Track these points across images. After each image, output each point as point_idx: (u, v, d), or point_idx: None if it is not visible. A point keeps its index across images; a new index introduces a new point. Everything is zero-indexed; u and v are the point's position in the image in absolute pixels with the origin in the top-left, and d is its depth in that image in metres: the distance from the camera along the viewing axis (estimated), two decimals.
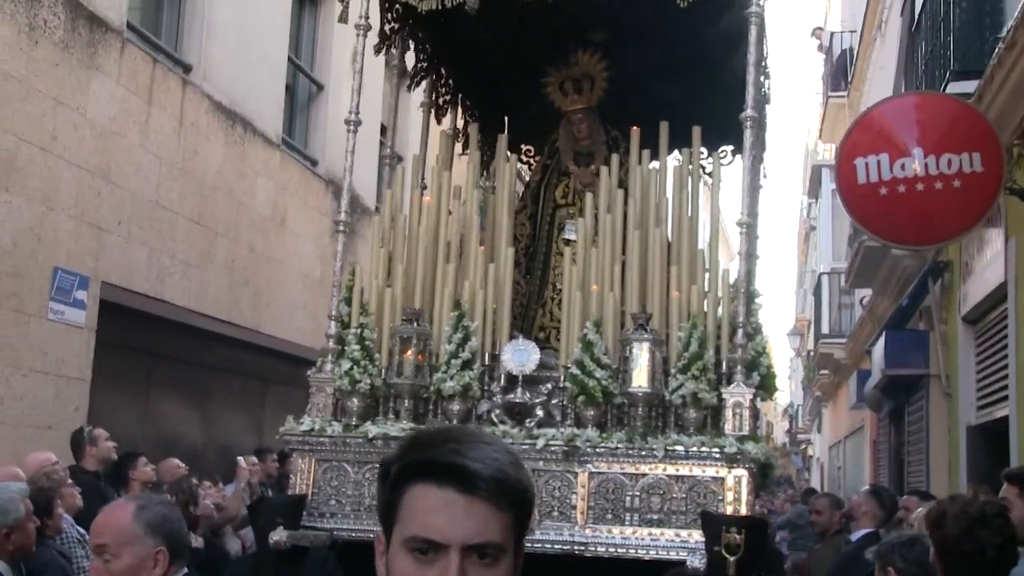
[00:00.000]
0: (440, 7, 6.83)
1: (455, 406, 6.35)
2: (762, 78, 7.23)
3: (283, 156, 12.80)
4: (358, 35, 7.26)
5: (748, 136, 6.60)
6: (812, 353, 26.80)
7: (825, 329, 23.35)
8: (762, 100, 7.42)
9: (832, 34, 26.36)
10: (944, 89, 8.78)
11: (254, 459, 10.00)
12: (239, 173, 11.71)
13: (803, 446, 42.41)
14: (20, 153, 8.59)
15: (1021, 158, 7.85)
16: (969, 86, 8.42)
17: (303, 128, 13.72)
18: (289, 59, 13.13)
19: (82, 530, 6.50)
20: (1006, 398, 8.60)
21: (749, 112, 6.49)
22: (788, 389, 47.63)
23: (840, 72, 24.04)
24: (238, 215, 11.71)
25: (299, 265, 13.20)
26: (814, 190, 26.01)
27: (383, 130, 13.96)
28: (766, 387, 6.39)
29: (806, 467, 40.60)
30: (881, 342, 13.60)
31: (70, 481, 6.91)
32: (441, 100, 8.55)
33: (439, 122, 8.54)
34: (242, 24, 11.69)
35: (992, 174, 7.38)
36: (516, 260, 7.48)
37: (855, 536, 7.99)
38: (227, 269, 11.54)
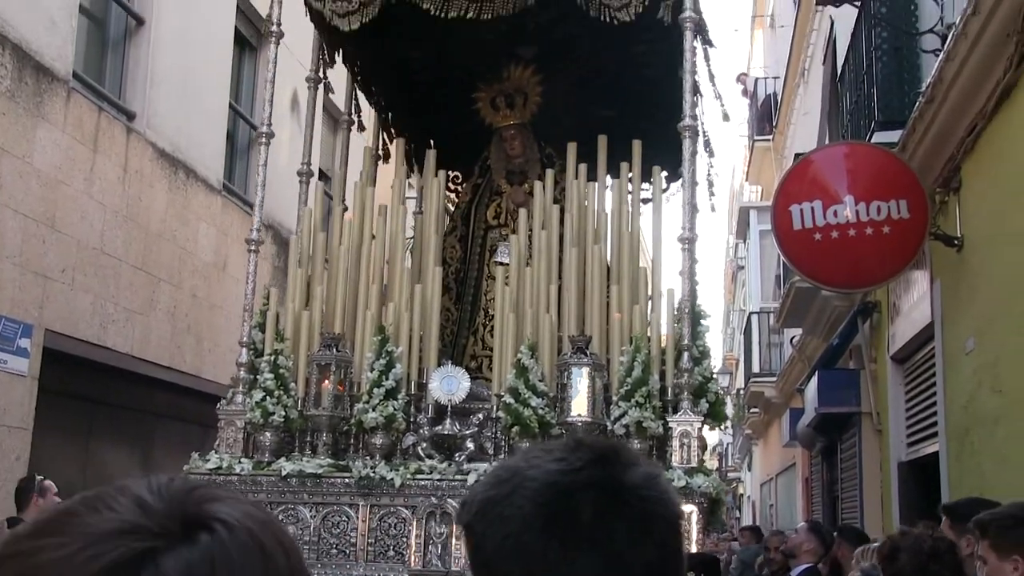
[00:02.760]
0: (362, 23, 6.62)
1: (378, 439, 5.94)
2: (698, 96, 6.98)
3: (224, 201, 12.80)
4: (272, 42, 7.19)
5: (687, 147, 6.28)
6: (743, 391, 27.05)
7: (756, 368, 23.54)
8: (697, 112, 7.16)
9: (756, 79, 26.77)
10: (870, 139, 8.94)
11: None
12: (182, 220, 11.70)
13: (733, 484, 42.73)
14: None
15: (944, 205, 8.06)
16: (893, 136, 8.59)
17: (243, 173, 13.75)
18: (230, 105, 13.18)
19: None
20: (935, 435, 8.68)
21: (687, 121, 6.21)
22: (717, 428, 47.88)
23: (765, 116, 24.39)
24: (181, 261, 11.68)
25: (240, 310, 13.16)
26: (742, 231, 26.32)
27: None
28: (714, 415, 6.07)
29: (736, 505, 40.88)
30: (814, 381, 13.59)
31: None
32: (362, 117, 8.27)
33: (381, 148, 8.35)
34: (184, 72, 11.71)
35: (918, 220, 7.60)
36: (446, 285, 7.23)
37: (796, 571, 8.07)
38: (170, 315, 11.49)
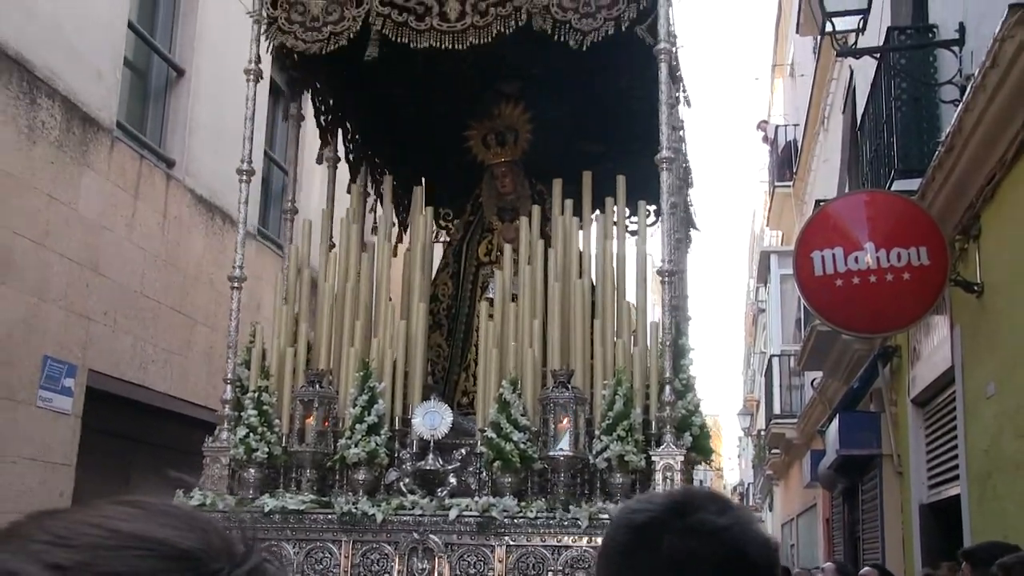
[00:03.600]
0: (342, 55, 6.51)
1: (361, 475, 5.77)
2: (678, 128, 6.84)
3: (259, 246, 12.92)
4: (248, 80, 7.21)
5: (665, 178, 6.01)
6: (764, 433, 26.99)
7: (777, 409, 23.53)
8: (680, 145, 7.00)
9: (776, 127, 26.85)
10: (890, 186, 8.95)
11: None
12: (218, 263, 11.70)
13: None
14: (15, 247, 8.65)
15: (963, 251, 8.11)
16: (912, 184, 8.60)
17: (276, 218, 13.85)
18: (265, 152, 13.30)
19: None
20: (957, 478, 8.66)
21: (664, 153, 5.94)
22: (739, 468, 47.75)
23: (785, 163, 24.44)
24: (217, 304, 11.64)
25: None
26: (763, 275, 26.36)
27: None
28: (699, 449, 5.78)
29: None
30: (835, 423, 13.62)
31: None
32: (350, 156, 8.16)
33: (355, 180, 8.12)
34: (221, 121, 11.69)
35: (938, 266, 7.60)
36: (438, 321, 7.16)
37: None
38: (206, 356, 11.51)
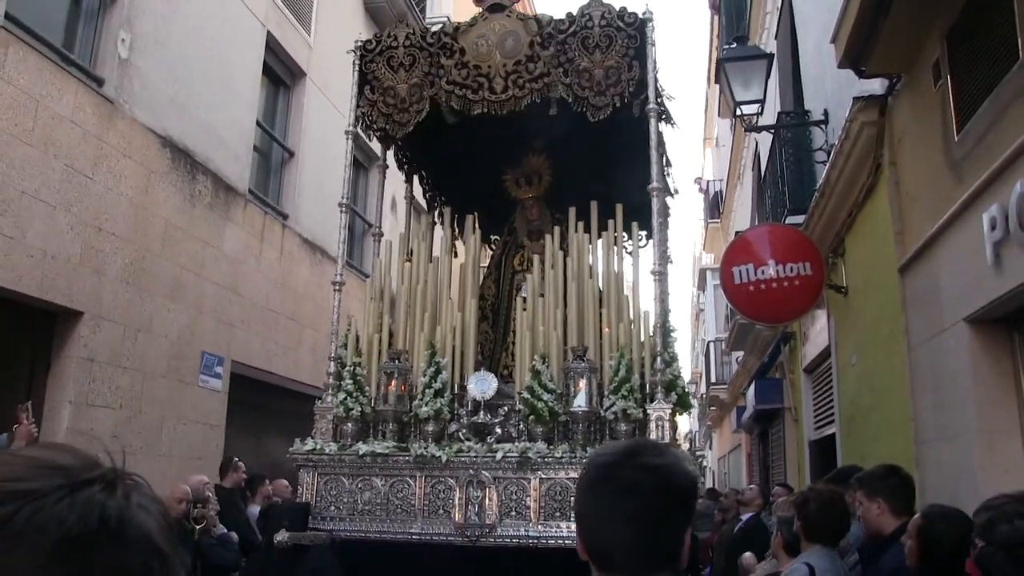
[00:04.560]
0: (426, 126, 6.21)
1: (430, 427, 5.53)
2: (667, 169, 6.58)
3: (347, 272, 13.00)
4: (346, 137, 6.65)
5: (655, 203, 5.71)
6: (704, 395, 27.13)
7: (713, 379, 23.66)
8: (666, 183, 6.63)
9: (708, 181, 26.99)
10: (784, 221, 8.95)
11: (203, 477, 7.26)
12: (319, 285, 11.73)
13: (699, 459, 42.31)
14: (182, 277, 8.81)
15: (834, 265, 8.11)
16: (799, 219, 8.56)
17: (359, 252, 14.02)
18: (351, 207, 13.34)
19: (223, 527, 6.70)
20: (833, 421, 8.75)
21: (655, 184, 5.62)
22: (688, 420, 47.64)
23: (714, 206, 24.56)
24: (318, 315, 11.64)
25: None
26: (701, 284, 26.54)
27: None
28: (682, 404, 5.57)
29: (703, 474, 40.45)
30: (752, 387, 13.66)
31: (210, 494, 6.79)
32: (426, 194, 7.92)
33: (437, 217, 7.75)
34: (320, 185, 11.82)
35: (817, 275, 7.56)
36: (485, 315, 6.86)
37: (746, 517, 8.04)
38: (312, 351, 11.49)
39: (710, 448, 34.71)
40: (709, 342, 23.86)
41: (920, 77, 5.49)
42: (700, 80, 33.60)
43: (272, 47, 11.07)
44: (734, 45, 10.01)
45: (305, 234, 11.66)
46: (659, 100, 5.75)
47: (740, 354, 17.64)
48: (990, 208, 4.24)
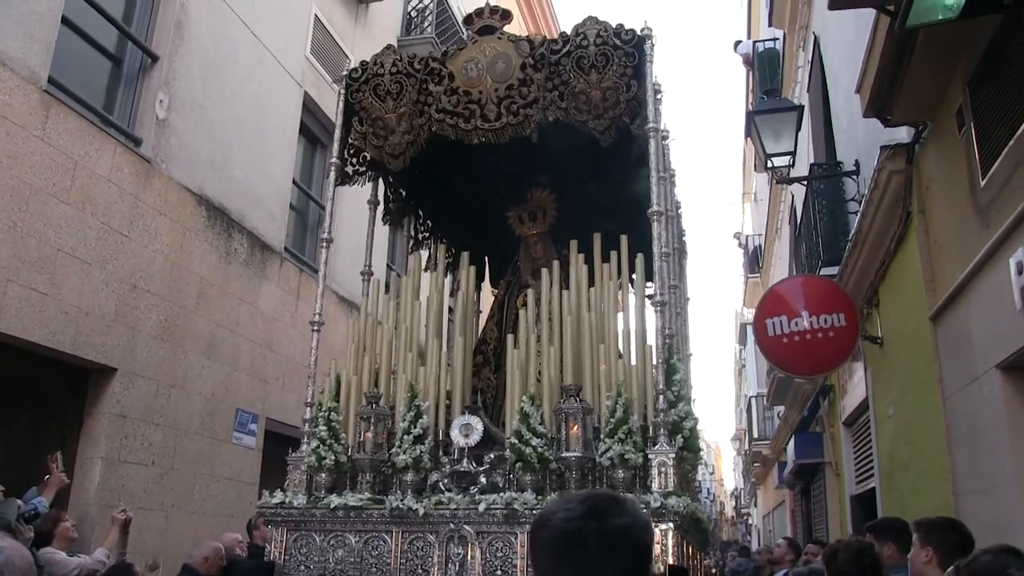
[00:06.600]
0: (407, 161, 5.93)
1: (409, 477, 5.18)
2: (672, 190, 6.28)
3: (351, 313, 12.85)
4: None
5: (656, 227, 5.31)
6: (747, 452, 26.66)
7: (755, 434, 23.29)
8: (675, 208, 6.43)
9: (747, 236, 26.84)
10: (819, 272, 8.89)
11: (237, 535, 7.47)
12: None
13: (745, 517, 41.59)
14: (217, 334, 8.87)
15: (869, 315, 8.05)
16: (833, 270, 8.55)
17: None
18: (387, 266, 13.56)
19: None
20: (872, 475, 8.58)
21: (655, 208, 5.26)
22: (733, 478, 46.88)
23: (754, 261, 24.38)
24: None
25: None
26: (743, 339, 26.30)
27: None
28: (690, 447, 5.14)
29: (748, 532, 39.76)
30: (792, 441, 13.60)
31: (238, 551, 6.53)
32: (420, 236, 7.64)
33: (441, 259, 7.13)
34: (355, 243, 11.88)
35: (852, 327, 7.52)
36: (487, 359, 6.54)
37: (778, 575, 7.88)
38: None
39: (755, 506, 33.94)
40: (751, 397, 23.56)
41: (944, 124, 5.44)
42: (738, 136, 33.70)
43: (308, 106, 11.30)
44: (764, 98, 10.04)
45: (341, 291, 11.72)
46: (657, 121, 5.46)
47: (781, 409, 17.45)
48: (1016, 252, 4.15)
